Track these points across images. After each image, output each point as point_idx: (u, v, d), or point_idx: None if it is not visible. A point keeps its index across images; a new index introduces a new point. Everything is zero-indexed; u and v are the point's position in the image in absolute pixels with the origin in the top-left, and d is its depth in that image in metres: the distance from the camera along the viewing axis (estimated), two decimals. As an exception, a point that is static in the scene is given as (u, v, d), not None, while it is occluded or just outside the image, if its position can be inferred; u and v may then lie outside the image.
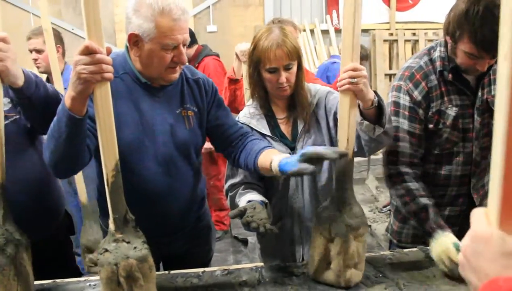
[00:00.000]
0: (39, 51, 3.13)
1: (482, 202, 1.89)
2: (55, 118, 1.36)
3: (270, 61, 1.67)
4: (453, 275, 1.54)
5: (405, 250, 1.78)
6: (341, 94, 1.45)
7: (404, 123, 1.79)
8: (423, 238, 1.95)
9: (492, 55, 1.60)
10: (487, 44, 1.55)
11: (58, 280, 1.61)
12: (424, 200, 1.74)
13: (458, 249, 1.56)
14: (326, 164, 1.79)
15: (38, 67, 3.20)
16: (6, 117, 1.70)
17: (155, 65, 1.55)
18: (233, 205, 1.78)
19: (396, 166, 1.81)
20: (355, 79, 1.39)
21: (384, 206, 4.79)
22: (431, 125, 1.80)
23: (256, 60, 1.71)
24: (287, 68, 1.69)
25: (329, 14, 6.37)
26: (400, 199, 1.80)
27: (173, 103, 1.67)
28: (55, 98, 1.63)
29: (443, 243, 1.59)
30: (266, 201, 1.67)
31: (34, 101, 1.57)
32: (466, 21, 1.57)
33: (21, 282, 1.37)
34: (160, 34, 1.48)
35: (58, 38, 3.14)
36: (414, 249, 1.76)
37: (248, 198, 1.68)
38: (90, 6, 1.17)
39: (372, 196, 5.22)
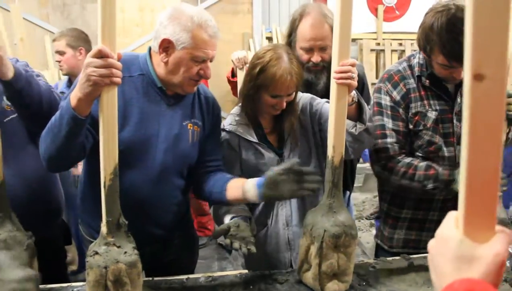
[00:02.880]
0: (61, 53, 3.12)
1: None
2: (57, 113, 1.37)
3: (278, 90, 1.68)
4: None
5: (388, 258, 1.79)
6: (338, 87, 1.43)
7: (389, 122, 1.88)
8: (414, 242, 1.96)
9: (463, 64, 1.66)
10: (456, 55, 1.61)
11: (40, 286, 1.58)
12: (424, 162, 1.82)
13: None
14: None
15: (61, 69, 3.23)
16: (7, 115, 1.69)
17: (180, 73, 1.56)
18: (217, 215, 1.76)
19: (388, 156, 1.87)
20: (355, 75, 1.42)
21: (372, 214, 4.80)
22: (411, 126, 1.87)
23: (261, 84, 1.69)
24: (289, 95, 1.71)
25: (317, 23, 6.41)
26: (404, 177, 1.83)
27: (182, 114, 1.67)
28: (48, 96, 1.63)
29: None
30: (250, 215, 1.66)
31: (24, 96, 1.56)
32: (433, 35, 1.64)
33: None
34: (194, 45, 1.51)
35: (83, 40, 3.13)
36: (397, 258, 1.78)
37: (233, 212, 1.67)
38: (107, 12, 1.19)
39: (356, 203, 5.25)
